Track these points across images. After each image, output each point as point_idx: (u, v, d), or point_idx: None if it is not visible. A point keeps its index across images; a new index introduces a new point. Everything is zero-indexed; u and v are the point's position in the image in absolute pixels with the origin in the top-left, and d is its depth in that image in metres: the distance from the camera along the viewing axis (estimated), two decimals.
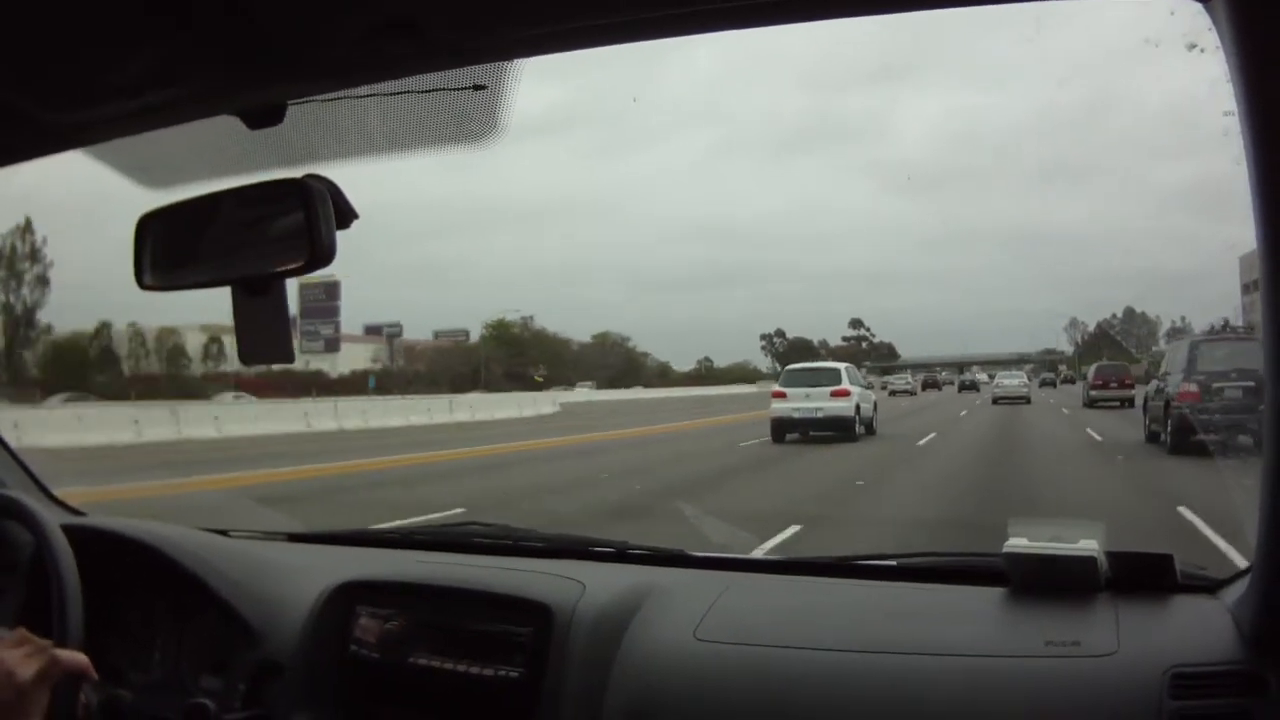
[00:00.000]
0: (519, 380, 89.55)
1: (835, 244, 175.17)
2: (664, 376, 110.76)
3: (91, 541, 2.63)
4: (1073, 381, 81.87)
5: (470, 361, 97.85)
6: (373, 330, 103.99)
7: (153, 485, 17.13)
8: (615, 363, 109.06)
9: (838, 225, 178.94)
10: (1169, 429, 19.78)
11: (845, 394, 25.60)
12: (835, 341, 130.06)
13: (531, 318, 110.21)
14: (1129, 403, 34.68)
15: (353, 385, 79.16)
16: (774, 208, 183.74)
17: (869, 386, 30.88)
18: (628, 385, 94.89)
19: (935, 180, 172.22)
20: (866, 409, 26.87)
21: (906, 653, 2.19)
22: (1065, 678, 2.03)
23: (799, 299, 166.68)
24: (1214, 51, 1.38)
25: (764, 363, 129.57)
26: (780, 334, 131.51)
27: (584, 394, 78.81)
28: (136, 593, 2.88)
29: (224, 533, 3.23)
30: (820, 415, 25.24)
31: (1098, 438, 25.03)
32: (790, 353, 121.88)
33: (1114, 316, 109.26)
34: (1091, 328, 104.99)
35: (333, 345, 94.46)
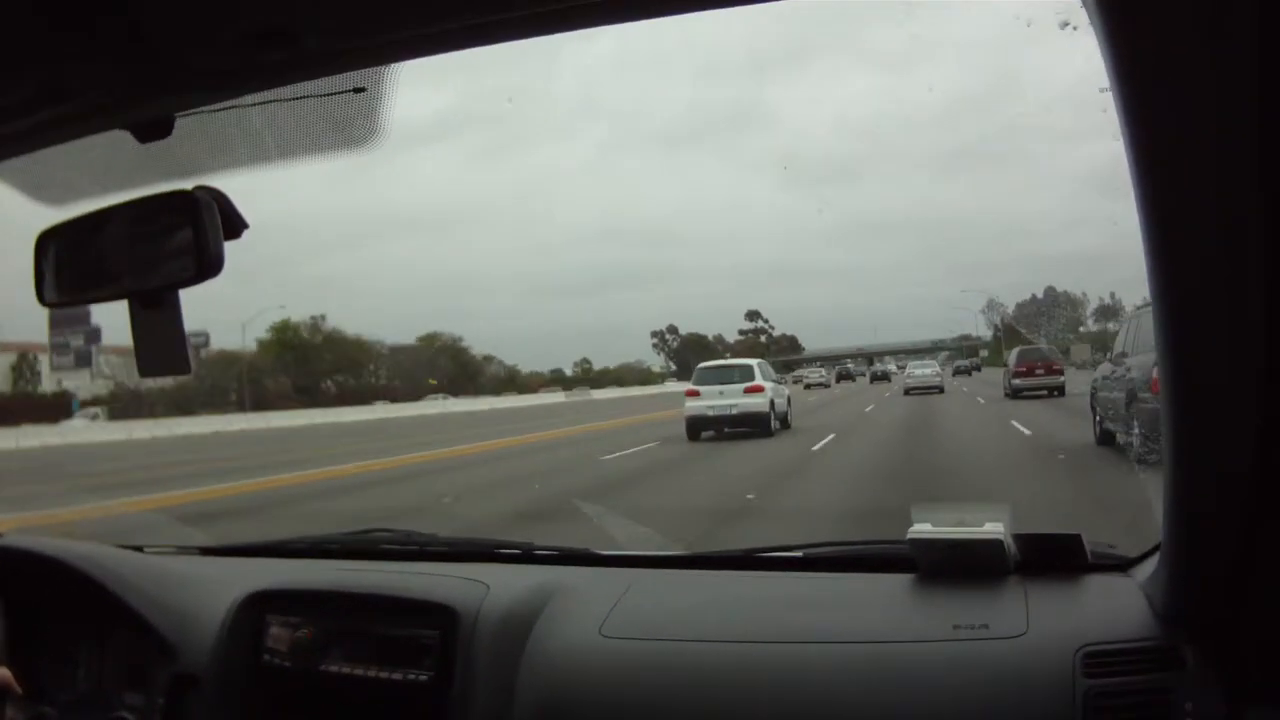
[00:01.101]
0: (309, 395, 79.96)
1: (734, 241, 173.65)
2: (511, 382, 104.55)
3: (9, 561, 2.62)
4: (982, 369, 78.00)
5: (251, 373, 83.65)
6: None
7: None
8: (445, 367, 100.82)
9: (736, 221, 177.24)
10: (1137, 430, 13.81)
11: (759, 389, 25.52)
12: (732, 336, 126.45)
13: (323, 317, 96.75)
14: (1058, 391, 31.46)
15: (57, 408, 69.50)
16: (671, 206, 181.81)
17: (781, 381, 30.63)
18: (470, 392, 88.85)
19: (835, 172, 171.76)
20: (780, 404, 26.81)
21: (813, 641, 2.21)
22: (974, 660, 2.06)
23: (698, 297, 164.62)
24: (1086, 28, 1.40)
25: (656, 361, 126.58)
26: (673, 330, 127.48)
27: (439, 405, 73.38)
28: (56, 611, 2.87)
29: (138, 548, 3.22)
30: (735, 412, 25.12)
31: (1025, 431, 21.03)
32: (684, 350, 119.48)
33: (1034, 297, 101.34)
34: (1011, 310, 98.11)
35: (84, 359, 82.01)
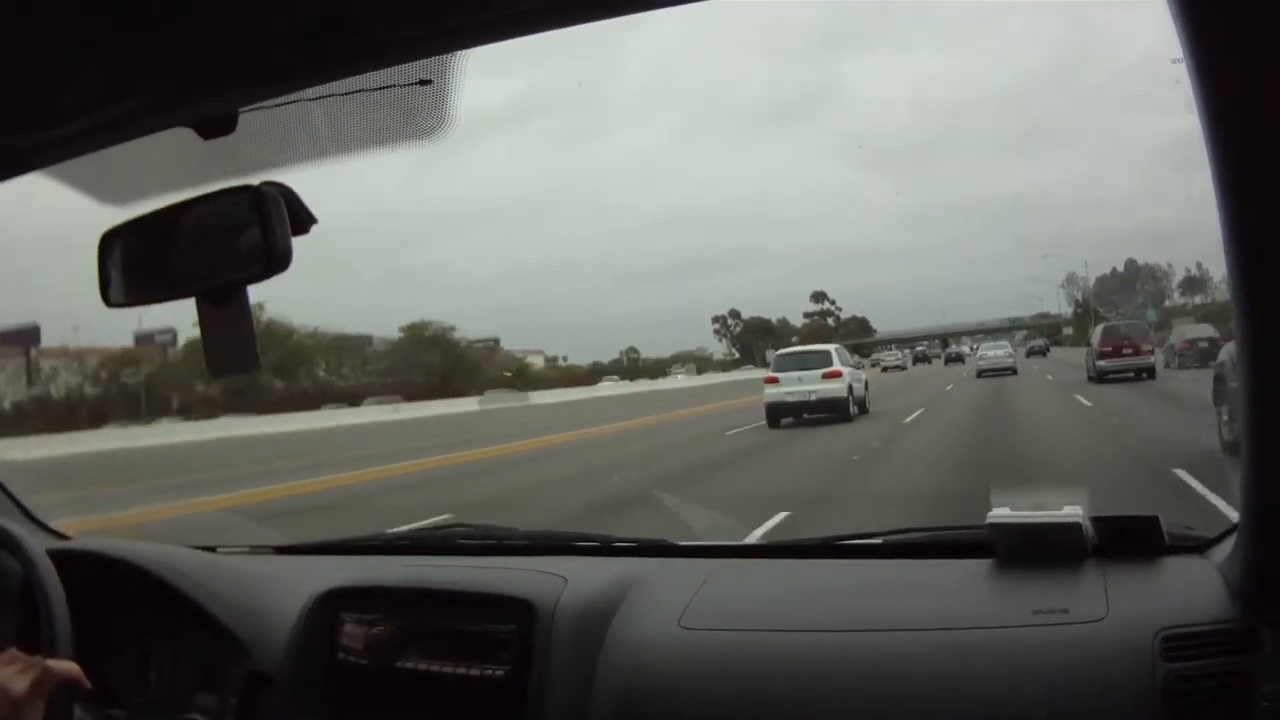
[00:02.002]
0: (246, 400, 65.45)
1: (803, 225, 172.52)
2: (521, 376, 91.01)
3: (80, 565, 2.64)
4: (1060, 344, 74.16)
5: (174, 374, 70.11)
6: (144, 339, 75.29)
7: None
8: (433, 363, 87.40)
9: (806, 205, 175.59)
10: None
11: (837, 375, 25.63)
12: (798, 320, 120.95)
13: (260, 305, 79.55)
14: (1147, 373, 28.41)
15: None
16: (738, 191, 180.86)
17: (858, 366, 30.95)
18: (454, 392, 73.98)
19: (908, 152, 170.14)
20: (859, 389, 26.95)
21: (893, 629, 2.19)
22: (1054, 646, 2.03)
23: (765, 282, 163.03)
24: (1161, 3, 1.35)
25: (719, 349, 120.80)
26: (735, 315, 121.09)
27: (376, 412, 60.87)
28: (127, 614, 2.88)
29: (211, 549, 3.23)
30: (814, 398, 25.28)
31: (1115, 421, 17.90)
32: (746, 335, 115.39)
33: (1114, 271, 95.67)
34: (1091, 282, 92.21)
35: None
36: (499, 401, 66.39)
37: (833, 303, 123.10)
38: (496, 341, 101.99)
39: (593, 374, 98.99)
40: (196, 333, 1.69)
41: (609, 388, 78.96)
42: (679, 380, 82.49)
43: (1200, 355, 30.96)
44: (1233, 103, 1.37)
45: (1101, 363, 29.80)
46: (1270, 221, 1.44)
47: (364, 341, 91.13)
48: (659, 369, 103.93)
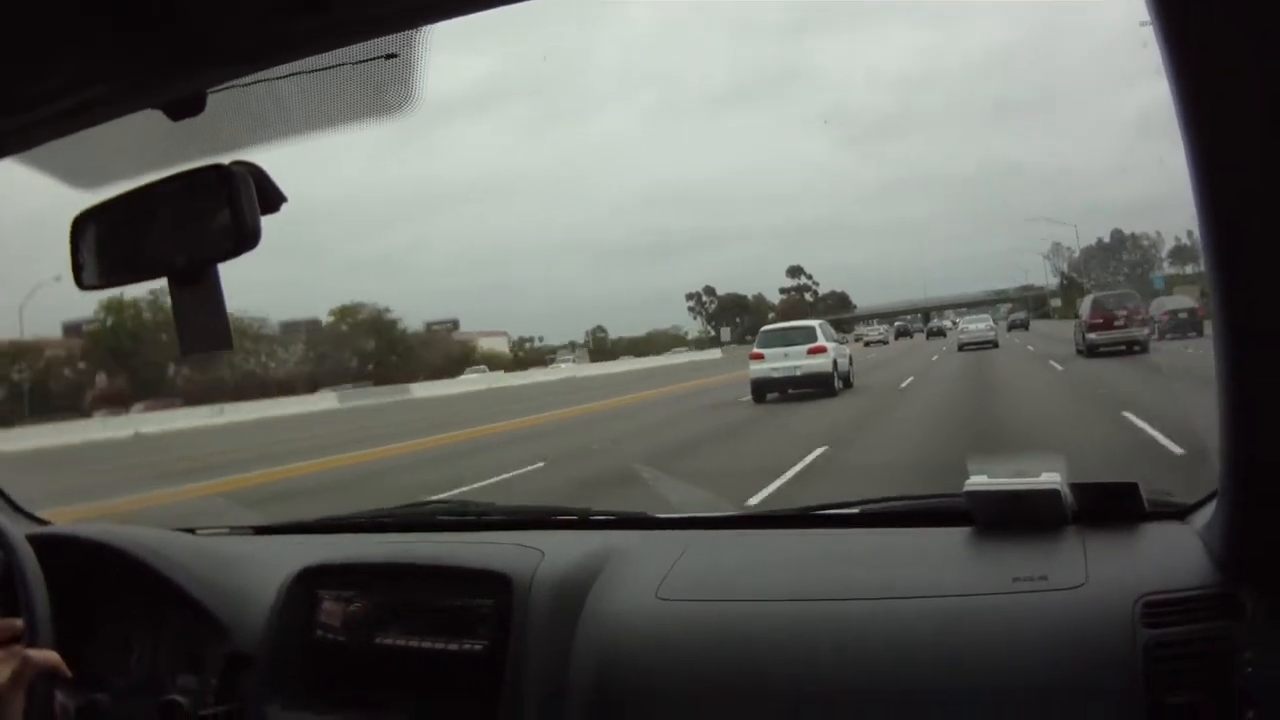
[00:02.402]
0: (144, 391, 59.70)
1: (779, 202, 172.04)
2: (462, 362, 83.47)
3: (59, 549, 2.63)
4: (1048, 317, 71.62)
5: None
6: (72, 329, 71.40)
7: None
8: (371, 348, 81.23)
9: (781, 182, 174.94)
10: None
11: (822, 350, 25.99)
12: (773, 296, 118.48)
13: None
14: (1140, 346, 27.02)
15: None
16: (711, 170, 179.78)
17: (842, 341, 31.49)
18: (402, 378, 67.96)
19: (882, 126, 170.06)
20: (843, 364, 27.35)
21: (871, 598, 2.20)
22: (1034, 612, 2.04)
23: (742, 261, 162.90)
24: None
25: (693, 326, 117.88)
26: (710, 291, 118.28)
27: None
28: (108, 597, 2.88)
29: (191, 531, 3.24)
30: (799, 373, 25.65)
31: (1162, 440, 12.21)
32: (721, 312, 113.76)
33: (1099, 241, 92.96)
34: (1077, 254, 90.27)
35: None
36: (361, 398, 58.46)
37: (809, 277, 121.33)
38: (454, 324, 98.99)
39: (544, 356, 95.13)
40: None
41: (474, 380, 68.94)
42: (563, 370, 72.86)
43: (1180, 326, 30.82)
44: (1200, 64, 1.37)
45: (1092, 335, 28.34)
46: (1241, 184, 1.44)
47: (295, 328, 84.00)
48: (632, 348, 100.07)
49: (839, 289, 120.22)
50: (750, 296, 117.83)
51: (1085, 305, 30.94)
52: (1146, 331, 27.66)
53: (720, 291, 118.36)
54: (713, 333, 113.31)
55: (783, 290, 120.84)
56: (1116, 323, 28.16)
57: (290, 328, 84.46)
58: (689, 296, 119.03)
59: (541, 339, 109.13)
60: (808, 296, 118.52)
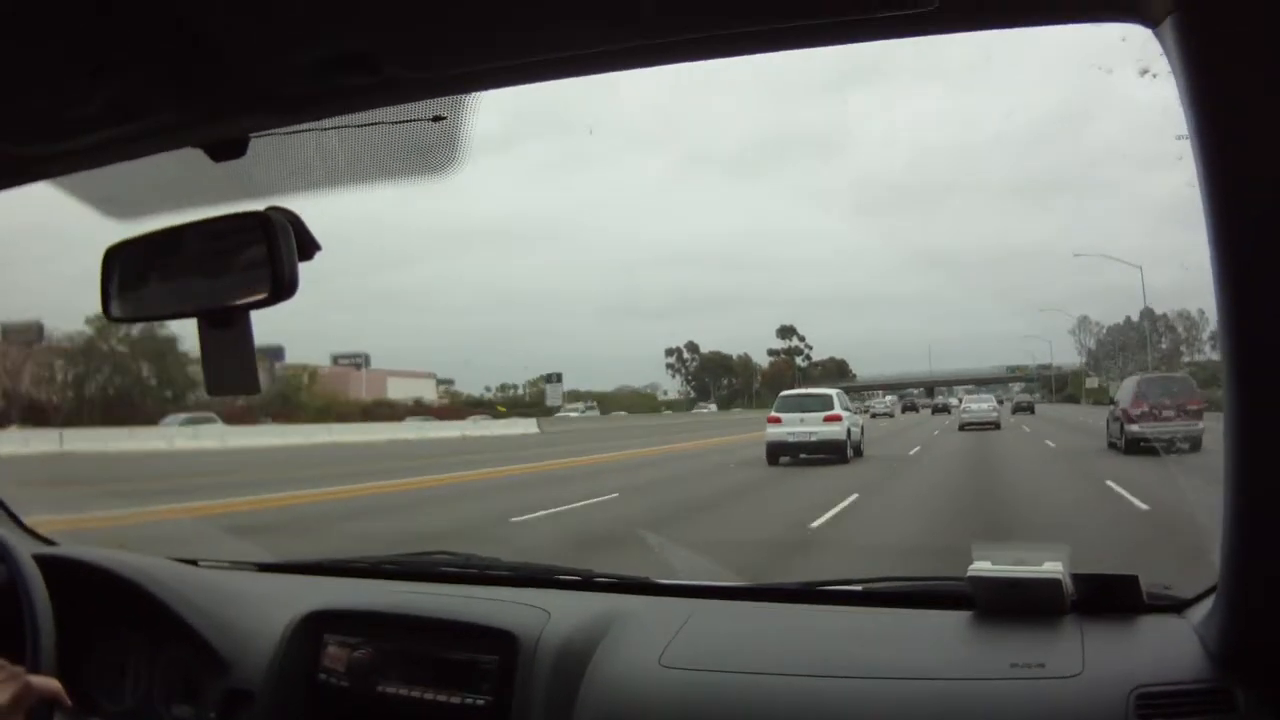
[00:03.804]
0: None
1: (782, 266, 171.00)
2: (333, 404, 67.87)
3: (64, 571, 2.63)
4: (1076, 400, 67.02)
5: None
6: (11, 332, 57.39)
7: None
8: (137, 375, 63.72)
9: (786, 248, 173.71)
10: None
11: (838, 419, 26.45)
12: (761, 357, 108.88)
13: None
14: (1191, 444, 20.83)
15: None
16: (733, 234, 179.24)
17: (856, 411, 32.02)
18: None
19: (902, 202, 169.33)
20: (855, 433, 27.77)
21: (871, 677, 2.20)
22: (1030, 699, 2.04)
23: (739, 323, 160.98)
24: (1166, 76, 1.39)
25: (672, 385, 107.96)
26: (692, 348, 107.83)
27: None
28: (109, 622, 2.88)
29: (194, 562, 3.24)
30: (814, 439, 26.03)
31: None
32: (703, 372, 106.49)
33: (1128, 320, 79.93)
34: (1104, 332, 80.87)
35: None
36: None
37: (802, 339, 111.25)
38: (364, 360, 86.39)
39: (468, 406, 79.27)
40: None
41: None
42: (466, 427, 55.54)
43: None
44: (1231, 181, 1.39)
45: (1134, 428, 22.36)
46: (1263, 295, 1.45)
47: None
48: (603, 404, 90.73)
49: (837, 355, 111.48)
50: (735, 356, 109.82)
51: (1126, 389, 24.93)
52: (1201, 426, 21.42)
53: (704, 349, 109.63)
54: (692, 394, 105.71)
55: (771, 352, 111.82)
56: (1166, 412, 22.40)
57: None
58: (669, 352, 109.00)
59: (511, 389, 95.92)
60: (799, 361, 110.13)
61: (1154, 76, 1.48)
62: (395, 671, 2.46)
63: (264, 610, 2.74)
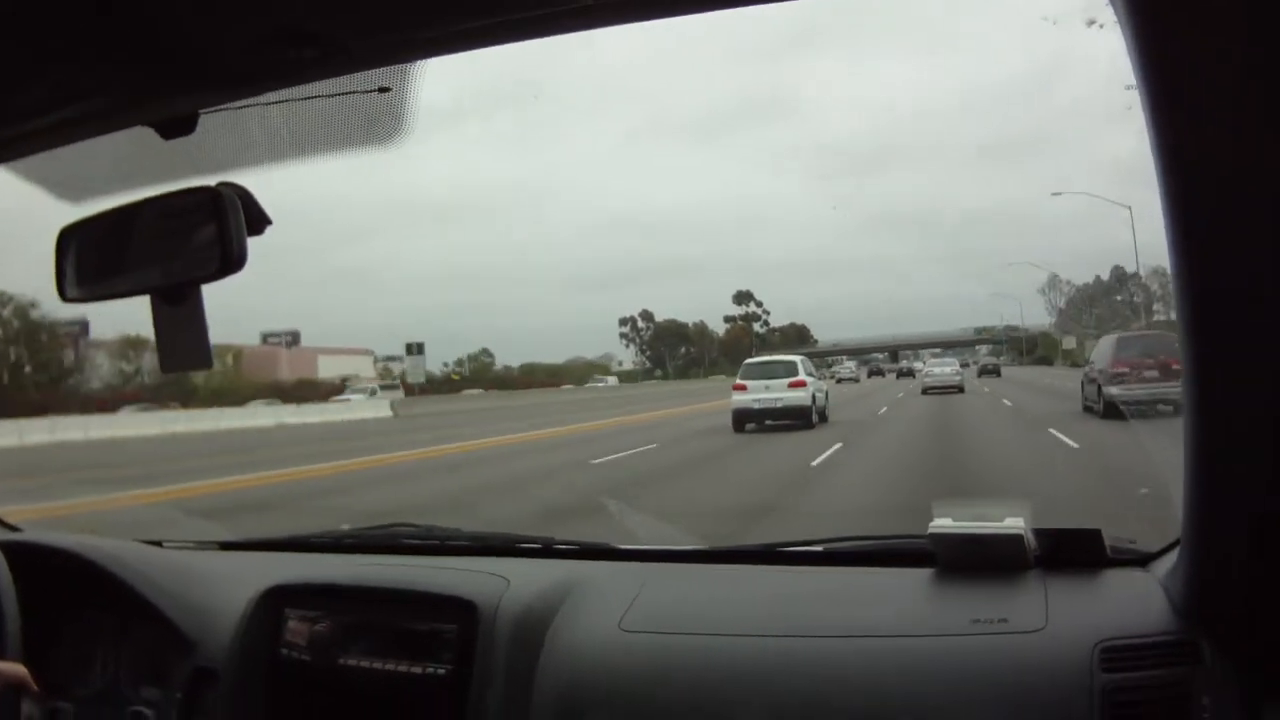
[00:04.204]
0: None
1: (746, 233, 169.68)
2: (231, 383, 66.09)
3: (29, 557, 2.63)
4: (1049, 363, 64.47)
5: None
6: None
7: None
8: None
9: (747, 215, 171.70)
10: None
11: (802, 384, 26.89)
12: (718, 325, 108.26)
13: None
14: (1175, 408, 9.83)
15: None
16: (681, 199, 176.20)
17: (820, 377, 32.36)
18: None
19: (859, 165, 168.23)
20: (820, 399, 28.29)
21: (831, 636, 2.22)
22: (992, 654, 2.07)
23: (697, 293, 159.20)
24: (1112, 26, 1.38)
25: (626, 355, 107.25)
26: (646, 317, 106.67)
27: None
28: (75, 606, 2.88)
29: (158, 544, 3.24)
30: (779, 405, 26.54)
31: None
32: (657, 340, 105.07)
33: (1097, 279, 78.97)
34: (1074, 291, 78.22)
35: None
36: None
37: (759, 304, 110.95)
38: (294, 337, 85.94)
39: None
40: None
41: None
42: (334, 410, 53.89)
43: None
44: (1181, 129, 1.40)
45: (1114, 389, 20.66)
46: (1213, 243, 1.46)
47: None
48: (552, 376, 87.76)
49: (799, 321, 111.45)
50: (691, 324, 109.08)
51: (1103, 348, 23.06)
52: None
53: (659, 318, 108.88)
54: (648, 364, 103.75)
55: (728, 319, 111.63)
56: (1148, 373, 20.45)
57: None
58: (623, 322, 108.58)
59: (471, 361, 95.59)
60: (757, 327, 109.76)
61: (1101, 27, 1.48)
62: (356, 643, 2.47)
63: (227, 588, 2.75)
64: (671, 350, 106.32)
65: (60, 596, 2.85)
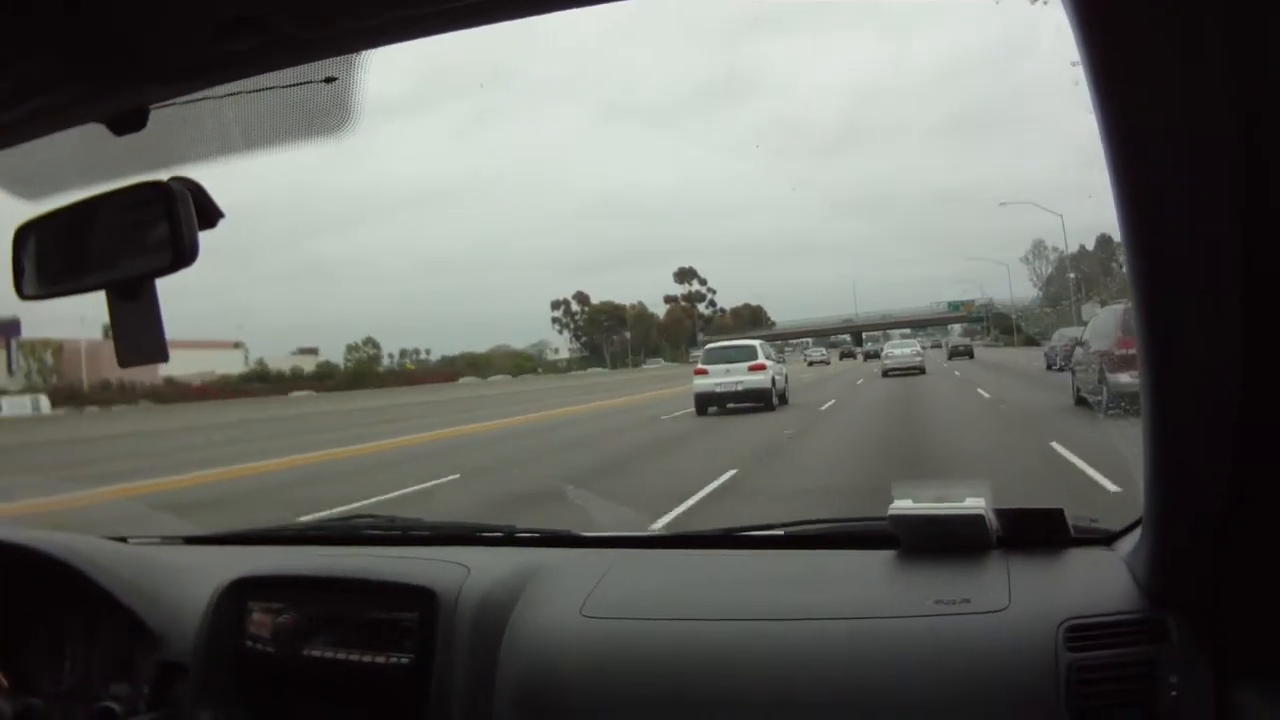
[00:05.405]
0: None
1: (730, 215, 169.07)
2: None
3: None
4: (1037, 344, 55.60)
5: None
6: None
7: None
8: None
9: (728, 196, 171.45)
10: None
11: (762, 368, 27.62)
12: (658, 307, 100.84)
13: None
14: None
15: None
16: (645, 184, 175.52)
17: (781, 360, 33.09)
18: None
19: (820, 146, 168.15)
20: (780, 381, 29.12)
21: (794, 618, 2.23)
22: (955, 635, 2.08)
23: (655, 284, 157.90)
24: (1056, 4, 1.39)
25: (560, 341, 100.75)
26: (581, 299, 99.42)
27: None
28: (41, 603, 2.89)
29: (123, 539, 3.25)
30: (740, 388, 27.28)
31: None
32: (591, 326, 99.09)
33: (1082, 249, 65.52)
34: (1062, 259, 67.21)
35: None
36: None
37: (704, 282, 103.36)
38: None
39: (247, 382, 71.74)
40: None
41: None
42: None
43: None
44: (1126, 103, 1.41)
45: (1124, 377, 14.50)
46: (1163, 219, 1.48)
47: None
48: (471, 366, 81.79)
49: (753, 303, 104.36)
50: (629, 306, 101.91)
51: (1104, 324, 17.70)
52: None
53: (595, 300, 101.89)
54: (585, 351, 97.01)
55: (668, 299, 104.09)
56: None
57: None
58: (555, 305, 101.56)
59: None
60: (702, 308, 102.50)
61: (1044, 3, 1.49)
62: (319, 635, 2.49)
63: (192, 582, 2.76)
64: (606, 336, 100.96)
65: (26, 593, 2.86)
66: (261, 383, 70.51)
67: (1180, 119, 1.38)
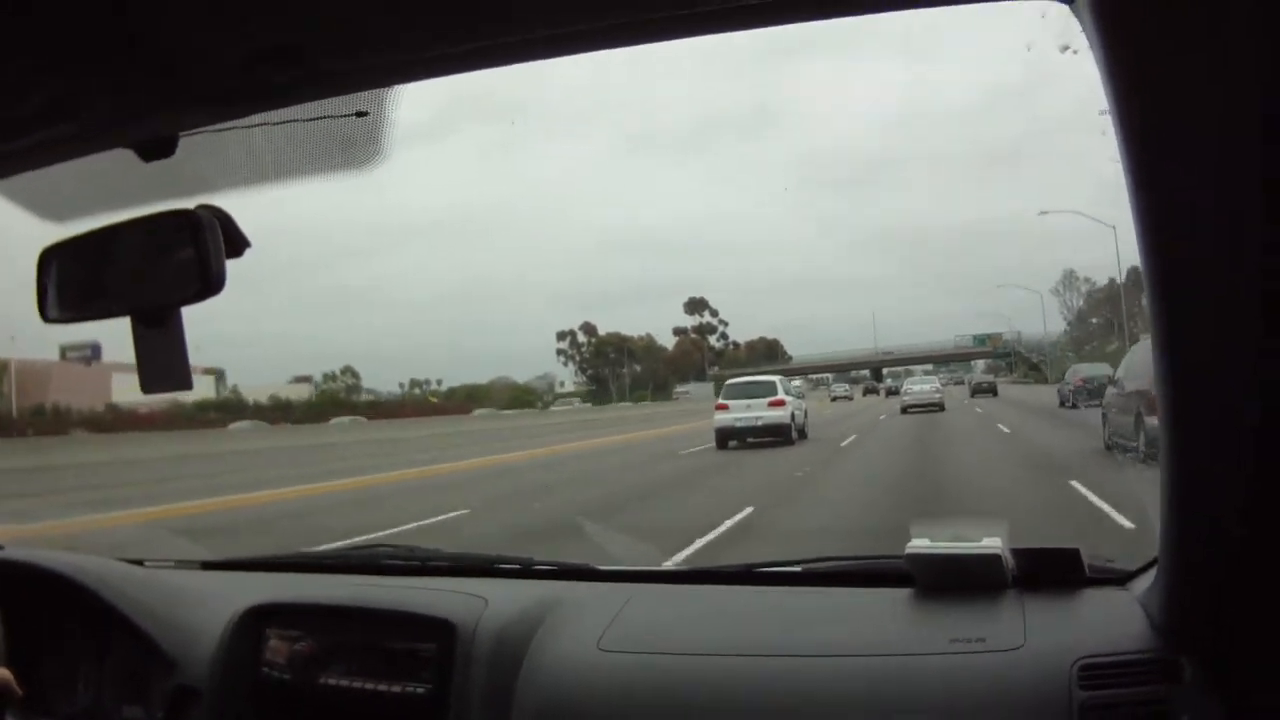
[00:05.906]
0: None
1: (746, 248, 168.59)
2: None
3: (10, 574, 2.64)
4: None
5: None
6: None
7: None
8: None
9: (731, 234, 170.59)
10: None
11: (781, 404, 28.13)
12: (667, 340, 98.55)
13: None
14: None
15: None
16: (664, 220, 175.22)
17: (801, 396, 33.79)
18: None
19: (846, 182, 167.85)
20: (799, 416, 29.51)
21: (809, 655, 2.22)
22: (971, 673, 2.07)
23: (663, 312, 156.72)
24: (1086, 53, 1.41)
25: (565, 373, 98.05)
26: (588, 329, 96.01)
27: None
28: (58, 624, 2.89)
29: (139, 562, 3.25)
30: (760, 423, 27.71)
31: None
32: (598, 358, 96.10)
33: (1111, 282, 65.07)
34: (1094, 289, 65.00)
35: None
36: None
37: (714, 314, 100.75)
38: (93, 350, 71.09)
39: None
40: None
41: None
42: None
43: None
44: (1152, 156, 1.42)
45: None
46: (1186, 268, 1.48)
47: None
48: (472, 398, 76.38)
49: (769, 336, 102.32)
50: (637, 337, 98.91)
51: (1141, 360, 15.17)
52: None
53: (603, 332, 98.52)
54: (592, 385, 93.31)
55: (678, 330, 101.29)
56: None
57: None
58: (560, 335, 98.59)
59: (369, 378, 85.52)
60: (713, 341, 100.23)
61: (1074, 53, 1.51)
62: (336, 663, 2.48)
63: (208, 607, 2.75)
64: (614, 368, 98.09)
65: (42, 614, 2.86)
66: (219, 412, 64.96)
67: (1209, 160, 1.38)
